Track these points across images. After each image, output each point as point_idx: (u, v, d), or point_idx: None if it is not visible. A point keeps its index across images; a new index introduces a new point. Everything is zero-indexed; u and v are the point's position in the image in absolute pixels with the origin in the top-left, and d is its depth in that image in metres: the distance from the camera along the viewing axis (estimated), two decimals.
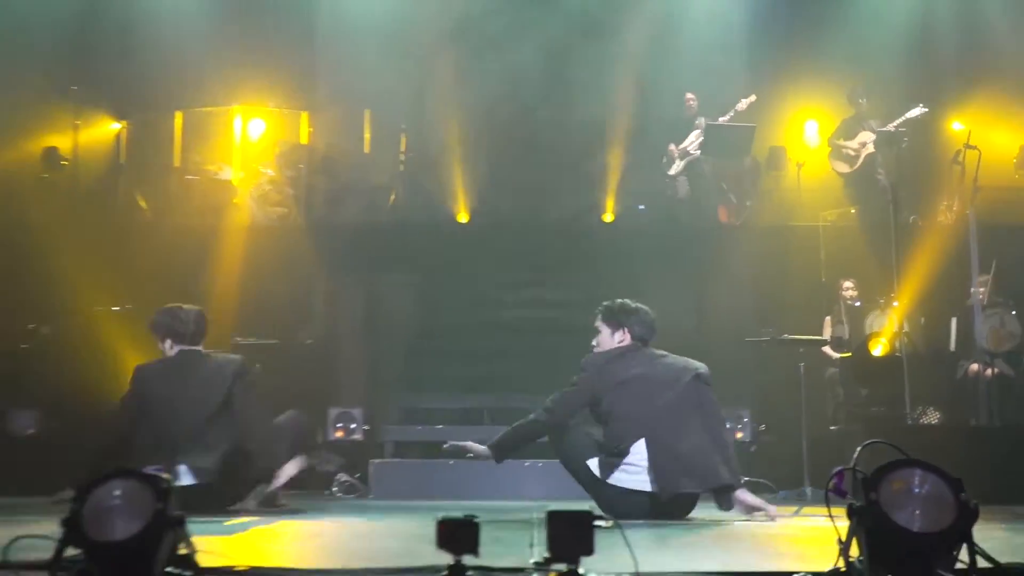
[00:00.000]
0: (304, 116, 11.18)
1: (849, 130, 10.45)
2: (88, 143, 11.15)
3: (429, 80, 11.25)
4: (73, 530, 2.73)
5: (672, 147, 10.63)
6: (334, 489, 7.69)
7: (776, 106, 11.04)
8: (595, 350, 5.40)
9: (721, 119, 10.41)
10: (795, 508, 5.84)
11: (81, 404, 8.06)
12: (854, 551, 2.71)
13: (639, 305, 5.41)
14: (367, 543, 4.19)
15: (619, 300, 5.43)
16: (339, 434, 8.17)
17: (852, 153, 10.38)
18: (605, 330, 5.37)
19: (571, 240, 10.13)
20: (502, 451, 5.31)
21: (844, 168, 10.49)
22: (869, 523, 2.64)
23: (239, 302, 9.16)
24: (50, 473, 7.92)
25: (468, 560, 2.60)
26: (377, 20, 11.08)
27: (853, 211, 10.20)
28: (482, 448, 5.28)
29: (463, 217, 10.80)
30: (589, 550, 2.57)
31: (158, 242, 9.78)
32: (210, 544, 3.24)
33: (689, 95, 10.76)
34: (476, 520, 2.60)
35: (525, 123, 11.21)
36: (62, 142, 10.83)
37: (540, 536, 2.80)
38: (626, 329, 5.34)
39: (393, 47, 10.94)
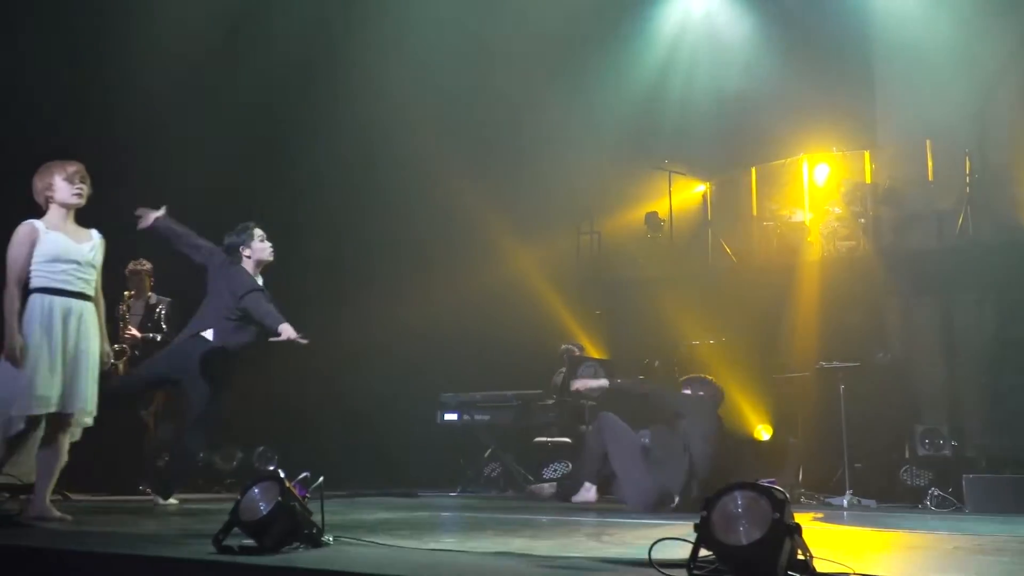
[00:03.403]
0: (866, 155, 11.15)
1: None
2: (680, 205, 12.21)
3: (991, 98, 10.72)
4: (706, 534, 2.95)
5: None
6: (927, 502, 7.72)
7: None
8: None
9: None
10: None
11: None
12: None
13: None
14: (967, 557, 4.06)
15: None
16: (927, 451, 8.12)
17: None
18: None
19: None
20: None
21: None
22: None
23: (819, 329, 9.46)
24: None
25: None
26: (934, 49, 10.75)
27: None
28: None
29: None
30: None
31: (745, 283, 10.49)
32: (822, 551, 3.26)
33: None
34: None
35: None
36: (660, 207, 12.09)
37: None
38: None
39: (953, 73, 10.56)
